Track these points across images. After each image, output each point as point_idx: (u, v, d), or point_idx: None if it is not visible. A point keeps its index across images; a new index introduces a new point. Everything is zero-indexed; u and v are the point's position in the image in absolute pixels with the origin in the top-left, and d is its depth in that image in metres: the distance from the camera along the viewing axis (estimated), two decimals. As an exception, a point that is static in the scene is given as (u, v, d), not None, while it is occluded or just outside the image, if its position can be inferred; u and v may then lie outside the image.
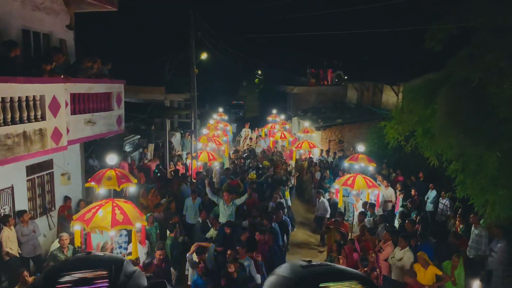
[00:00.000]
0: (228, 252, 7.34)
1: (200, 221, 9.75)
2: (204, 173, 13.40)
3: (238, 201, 9.98)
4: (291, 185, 13.91)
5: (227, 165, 16.53)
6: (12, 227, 7.93)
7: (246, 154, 17.91)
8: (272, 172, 13.50)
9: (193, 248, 7.63)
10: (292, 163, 17.15)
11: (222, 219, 9.68)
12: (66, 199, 10.19)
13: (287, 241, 10.17)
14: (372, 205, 10.67)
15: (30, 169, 9.21)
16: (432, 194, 11.88)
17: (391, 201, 12.25)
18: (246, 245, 7.78)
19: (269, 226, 8.80)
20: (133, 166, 14.28)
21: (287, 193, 12.40)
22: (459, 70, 7.86)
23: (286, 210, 11.16)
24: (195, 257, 7.42)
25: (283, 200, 11.30)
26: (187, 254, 7.74)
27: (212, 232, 9.16)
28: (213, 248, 7.98)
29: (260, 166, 15.05)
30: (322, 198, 12.25)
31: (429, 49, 8.75)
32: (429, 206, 11.85)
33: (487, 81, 6.97)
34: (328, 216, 11.93)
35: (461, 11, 8.12)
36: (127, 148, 15.81)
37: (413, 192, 11.79)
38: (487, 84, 6.95)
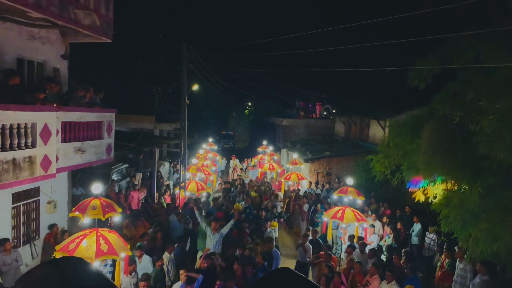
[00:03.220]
0: (217, 282, 7.28)
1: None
2: (192, 204, 13.34)
3: (224, 230, 9.94)
4: (277, 214, 13.85)
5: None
6: (-6, 255, 7.77)
7: (236, 183, 17.93)
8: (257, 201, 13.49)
9: (182, 277, 7.56)
10: (281, 194, 17.19)
11: (209, 247, 9.64)
12: (53, 226, 10.02)
13: None
14: (363, 244, 10.45)
15: (16, 196, 9.11)
16: (417, 227, 11.97)
17: (379, 235, 12.27)
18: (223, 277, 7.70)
19: (260, 265, 8.73)
20: (120, 195, 14.16)
21: (275, 223, 12.32)
22: (442, 107, 8.16)
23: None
24: None
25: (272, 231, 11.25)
26: (177, 283, 7.67)
27: None
28: (201, 279, 7.88)
29: (248, 194, 15.03)
30: (306, 242, 10.71)
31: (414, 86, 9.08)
32: (414, 240, 11.91)
33: (468, 119, 7.25)
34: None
35: (445, 51, 8.52)
36: (115, 177, 15.71)
37: (399, 225, 11.87)
38: (468, 122, 7.23)
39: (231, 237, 10.41)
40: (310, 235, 11.31)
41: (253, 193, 15.12)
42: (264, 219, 12.08)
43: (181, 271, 7.78)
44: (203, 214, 11.67)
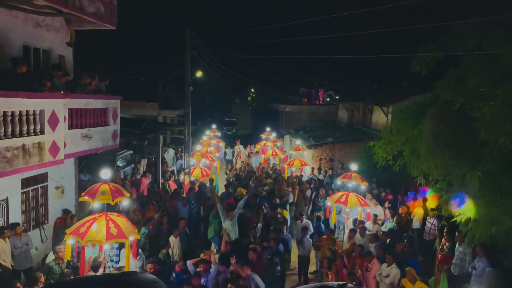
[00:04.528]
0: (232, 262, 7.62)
1: None
2: (196, 189, 13.56)
3: (236, 211, 10.17)
4: (290, 201, 14.05)
5: (218, 182, 16.69)
6: (6, 239, 7.99)
7: (244, 169, 18.20)
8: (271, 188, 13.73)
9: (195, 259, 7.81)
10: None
11: (233, 237, 9.81)
12: (68, 211, 10.29)
13: (288, 258, 10.38)
14: (364, 228, 10.67)
15: (25, 182, 9.32)
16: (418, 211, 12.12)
17: (380, 220, 12.44)
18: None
19: (275, 248, 8.92)
20: (126, 181, 14.35)
21: (285, 212, 12.51)
22: (445, 93, 8.23)
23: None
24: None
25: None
26: (188, 261, 7.89)
27: None
28: (216, 270, 7.91)
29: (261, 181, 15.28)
30: (307, 235, 10.68)
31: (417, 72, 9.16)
32: (415, 224, 12.08)
33: (469, 105, 7.34)
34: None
35: (447, 38, 8.55)
36: (120, 163, 15.91)
37: (400, 210, 12.04)
38: (469, 108, 7.32)
39: (248, 221, 10.68)
40: (303, 221, 11.43)
41: (269, 180, 15.34)
42: (276, 206, 12.26)
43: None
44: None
